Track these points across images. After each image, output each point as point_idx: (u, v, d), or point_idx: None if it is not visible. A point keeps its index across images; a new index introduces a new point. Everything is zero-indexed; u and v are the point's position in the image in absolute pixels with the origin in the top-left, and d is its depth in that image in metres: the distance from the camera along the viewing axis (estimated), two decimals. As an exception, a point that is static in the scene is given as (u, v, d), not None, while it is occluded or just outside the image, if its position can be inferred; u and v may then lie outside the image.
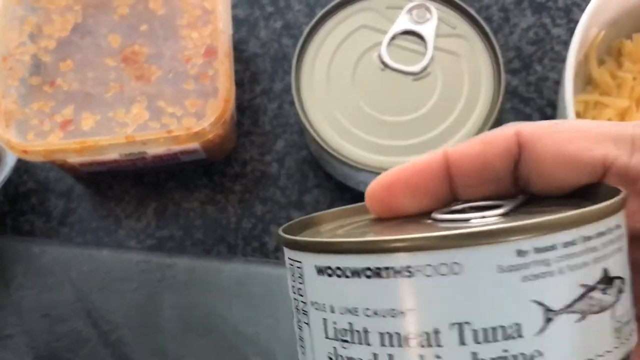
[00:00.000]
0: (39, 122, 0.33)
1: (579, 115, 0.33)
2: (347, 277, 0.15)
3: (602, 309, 0.15)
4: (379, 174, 0.27)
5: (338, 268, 0.15)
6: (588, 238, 0.15)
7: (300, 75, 0.34)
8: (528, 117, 0.38)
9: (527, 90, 0.39)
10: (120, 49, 0.34)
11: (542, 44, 0.40)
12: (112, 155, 0.34)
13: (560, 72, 0.39)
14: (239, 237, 0.37)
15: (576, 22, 0.39)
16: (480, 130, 0.32)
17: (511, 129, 0.18)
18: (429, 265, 0.14)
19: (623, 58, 0.35)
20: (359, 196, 0.37)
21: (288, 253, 0.17)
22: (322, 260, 0.15)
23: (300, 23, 0.41)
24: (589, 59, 0.34)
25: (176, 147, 0.34)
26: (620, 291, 0.15)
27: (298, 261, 0.16)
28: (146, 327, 0.34)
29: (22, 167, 0.38)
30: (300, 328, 0.17)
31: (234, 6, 0.41)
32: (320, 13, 0.34)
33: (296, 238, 0.16)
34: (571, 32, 0.39)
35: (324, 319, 0.15)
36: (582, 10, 0.39)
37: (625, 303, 0.15)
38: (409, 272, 0.14)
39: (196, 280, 0.35)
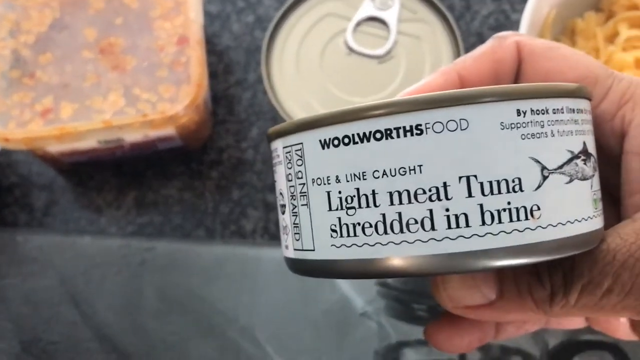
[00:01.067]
0: (19, 112, 0.34)
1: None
2: (355, 143, 0.16)
3: (584, 178, 0.17)
4: None
5: (346, 136, 0.16)
6: (571, 110, 0.17)
7: (271, 62, 0.35)
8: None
9: (489, 72, 0.40)
10: (96, 42, 0.35)
11: (502, 29, 0.41)
12: (91, 143, 0.35)
13: (520, 54, 0.40)
14: (217, 221, 0.37)
15: (533, 6, 0.41)
16: None
17: (512, 43, 0.21)
18: (439, 122, 0.16)
19: (576, 36, 0.36)
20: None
21: (284, 141, 0.18)
22: (327, 133, 0.16)
23: (271, 17, 0.42)
24: (544, 37, 0.36)
25: (152, 133, 0.35)
26: (595, 169, 0.17)
27: (298, 143, 0.17)
28: (128, 309, 0.35)
29: (5, 162, 0.39)
30: (295, 215, 0.18)
31: (208, 2, 0.42)
32: (288, 3, 0.36)
33: (300, 119, 0.17)
34: (529, 16, 0.41)
35: (328, 192, 0.16)
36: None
37: (597, 182, 0.18)
38: (419, 129, 0.16)
39: (176, 262, 0.35)
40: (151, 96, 0.34)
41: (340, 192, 0.16)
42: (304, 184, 0.17)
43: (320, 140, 0.17)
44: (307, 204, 0.17)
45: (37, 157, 0.37)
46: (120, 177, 0.39)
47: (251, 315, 0.34)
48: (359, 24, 0.35)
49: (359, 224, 0.16)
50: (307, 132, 0.17)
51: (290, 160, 0.17)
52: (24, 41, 0.35)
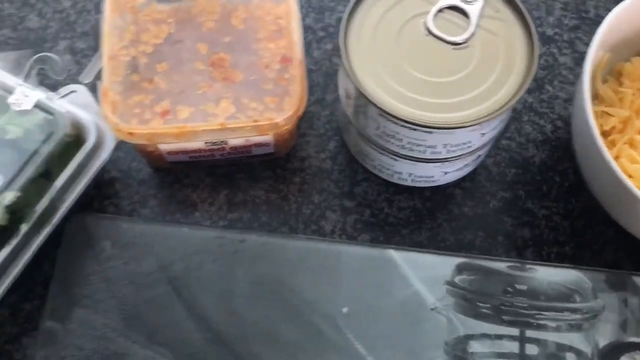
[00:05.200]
0: (140, 111, 0.36)
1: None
2: None
3: None
4: (416, 127, 0.31)
5: None
6: None
7: (349, 33, 0.35)
8: (542, 128, 0.43)
9: (541, 106, 0.44)
10: (207, 55, 0.38)
11: (551, 69, 0.45)
12: (199, 144, 0.37)
13: (568, 92, 0.44)
14: (299, 220, 0.40)
15: (579, 52, 0.45)
16: (508, 102, 0.33)
17: None
18: None
19: (623, 77, 0.40)
20: (402, 189, 0.41)
21: None
22: None
23: (348, 46, 0.45)
24: (595, 78, 0.39)
25: (254, 138, 0.37)
26: None
27: None
28: (222, 293, 0.37)
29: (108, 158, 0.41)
30: None
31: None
32: None
33: None
34: (575, 60, 0.45)
35: None
36: (585, 43, 0.45)
37: None
38: None
39: (265, 253, 0.38)
40: (258, 105, 0.36)
41: None
42: None
43: None
44: None
45: (141, 154, 0.40)
46: (213, 177, 0.41)
47: (333, 304, 0.37)
48: (441, 10, 0.35)
49: None
50: None
51: None
52: (142, 50, 0.38)
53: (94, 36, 0.46)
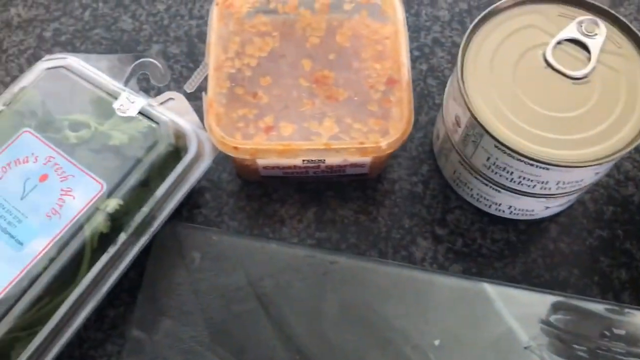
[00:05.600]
0: (244, 125, 0.36)
1: None
2: None
3: None
4: (534, 163, 0.30)
5: None
6: None
7: (466, 59, 0.34)
8: (642, 166, 0.41)
9: (641, 143, 0.42)
10: (311, 72, 0.37)
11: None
12: (297, 161, 0.37)
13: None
14: (389, 245, 0.39)
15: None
16: (632, 141, 0.32)
17: None
18: None
19: None
20: (497, 220, 0.39)
21: None
22: None
23: (442, 68, 0.44)
24: None
25: (352, 159, 0.37)
26: None
27: None
28: (311, 314, 0.36)
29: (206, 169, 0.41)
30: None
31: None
32: (490, 8, 0.35)
33: None
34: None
35: None
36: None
37: None
38: None
39: (355, 277, 0.37)
40: (362, 126, 0.36)
41: None
42: None
43: None
44: None
45: (237, 166, 0.39)
46: (302, 194, 0.40)
47: (424, 335, 0.36)
48: (560, 42, 0.34)
49: None
50: None
51: None
52: (247, 63, 0.37)
53: (187, 42, 0.45)
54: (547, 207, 0.37)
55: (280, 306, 0.36)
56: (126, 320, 0.37)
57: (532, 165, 0.32)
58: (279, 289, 0.37)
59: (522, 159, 0.32)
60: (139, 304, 0.37)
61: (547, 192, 0.35)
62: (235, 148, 0.35)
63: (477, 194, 0.38)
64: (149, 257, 0.37)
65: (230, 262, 0.38)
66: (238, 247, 0.38)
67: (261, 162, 0.37)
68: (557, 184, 0.34)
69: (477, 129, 0.33)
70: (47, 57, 0.38)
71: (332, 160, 0.37)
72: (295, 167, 0.38)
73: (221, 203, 0.40)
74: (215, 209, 0.40)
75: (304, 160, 0.37)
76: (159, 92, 0.42)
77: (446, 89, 0.37)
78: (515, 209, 0.37)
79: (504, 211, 0.38)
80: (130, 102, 0.36)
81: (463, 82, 0.33)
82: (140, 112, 0.36)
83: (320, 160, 0.37)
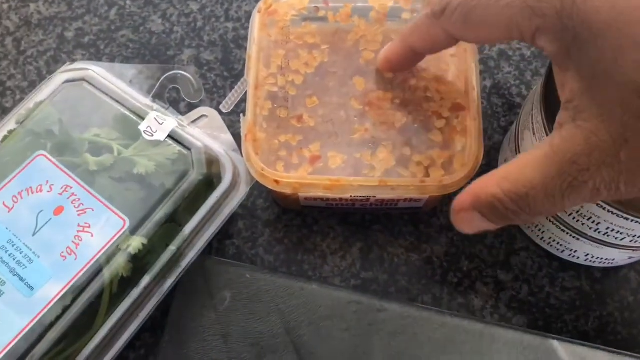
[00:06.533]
0: (287, 154, 0.31)
1: None
2: None
3: None
4: (630, 217, 0.26)
5: None
6: None
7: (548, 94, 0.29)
8: None
9: None
10: (364, 93, 0.32)
11: None
12: (345, 195, 0.32)
13: None
14: (444, 290, 0.34)
15: None
16: None
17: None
18: None
19: None
20: (569, 265, 0.34)
21: None
22: None
23: (509, 85, 0.39)
24: None
25: (415, 195, 0.32)
26: None
27: None
28: (356, 370, 0.32)
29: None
30: None
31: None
32: None
33: None
34: None
35: None
36: None
37: None
38: None
39: (406, 328, 0.32)
40: (423, 159, 0.31)
41: None
42: None
43: None
44: None
45: (275, 194, 0.35)
46: (345, 226, 0.36)
47: (484, 400, 0.31)
48: None
49: None
50: None
51: None
52: (291, 80, 0.33)
53: (222, 47, 0.41)
54: (631, 257, 0.32)
55: (321, 359, 0.32)
56: (148, 363, 0.33)
57: (627, 219, 0.27)
58: (320, 339, 0.32)
59: (615, 211, 0.27)
60: (162, 349, 0.33)
61: (636, 244, 0.30)
62: (277, 182, 0.30)
63: (550, 238, 0.33)
64: (174, 295, 0.33)
65: (264, 304, 0.33)
66: (274, 287, 0.34)
67: (313, 194, 0.32)
68: (652, 238, 0.28)
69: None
70: (66, 66, 0.33)
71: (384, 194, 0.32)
72: (341, 199, 0.33)
73: (256, 234, 0.36)
74: (249, 241, 0.36)
75: (352, 195, 0.32)
76: (189, 104, 0.38)
77: (520, 119, 0.32)
78: (593, 257, 0.32)
79: (579, 257, 0.33)
80: (158, 124, 0.31)
81: (545, 118, 0.28)
82: (170, 135, 0.31)
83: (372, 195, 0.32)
